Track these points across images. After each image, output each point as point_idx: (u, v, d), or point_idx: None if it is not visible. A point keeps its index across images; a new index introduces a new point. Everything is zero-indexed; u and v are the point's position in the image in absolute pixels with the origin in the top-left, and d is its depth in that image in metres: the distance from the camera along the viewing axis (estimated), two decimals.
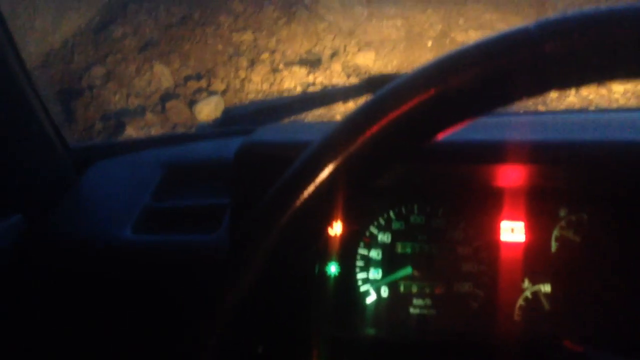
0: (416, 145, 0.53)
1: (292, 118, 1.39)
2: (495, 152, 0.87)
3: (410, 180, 0.96)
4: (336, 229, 0.96)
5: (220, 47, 6.58)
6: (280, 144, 0.94)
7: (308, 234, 0.55)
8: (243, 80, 6.35)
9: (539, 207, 0.93)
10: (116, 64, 6.12)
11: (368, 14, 7.51)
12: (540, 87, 0.51)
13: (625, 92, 5.88)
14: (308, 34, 7.14)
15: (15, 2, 6.81)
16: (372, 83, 1.37)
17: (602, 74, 0.50)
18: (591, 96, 6.00)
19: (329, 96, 1.47)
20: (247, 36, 6.79)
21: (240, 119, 1.46)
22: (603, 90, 5.99)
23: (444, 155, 0.87)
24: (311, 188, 0.52)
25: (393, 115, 0.52)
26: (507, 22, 7.15)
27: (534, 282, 0.92)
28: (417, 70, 0.54)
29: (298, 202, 0.52)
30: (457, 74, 0.51)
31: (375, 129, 0.52)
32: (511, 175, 0.90)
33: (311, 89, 6.38)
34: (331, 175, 0.51)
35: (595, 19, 0.50)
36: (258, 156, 0.92)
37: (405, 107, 0.51)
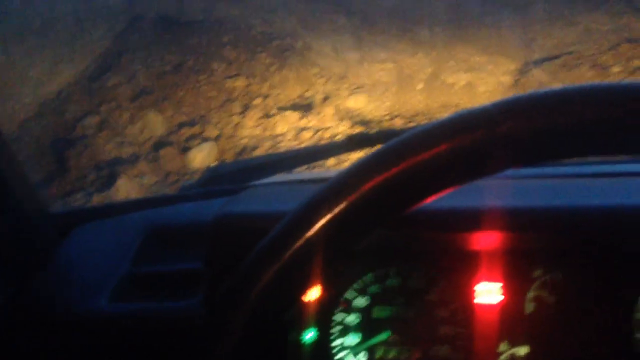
0: (388, 217, 0.54)
1: (277, 176, 1.39)
2: (470, 220, 0.88)
3: (387, 243, 0.96)
4: (312, 294, 0.95)
5: (213, 93, 6.65)
6: (254, 215, 0.94)
7: (284, 302, 0.55)
8: (236, 125, 6.39)
9: (514, 268, 0.93)
10: (110, 112, 6.17)
11: (359, 58, 7.63)
12: (500, 165, 0.52)
13: None
14: (300, 78, 7.23)
15: (11, 52, 6.92)
16: (353, 141, 1.38)
17: (561, 153, 0.51)
18: None
19: (312, 154, 1.48)
20: (240, 82, 6.87)
21: (224, 178, 1.47)
22: None
23: (419, 222, 0.88)
24: (288, 257, 0.52)
25: (358, 193, 0.52)
26: (496, 64, 7.27)
27: (511, 344, 0.91)
28: (383, 148, 0.55)
29: (274, 272, 0.52)
30: (417, 153, 0.52)
31: (348, 201, 0.53)
32: (486, 240, 0.90)
33: (304, 134, 6.42)
34: (307, 244, 0.52)
35: (552, 99, 0.51)
36: (232, 228, 0.93)
37: (367, 187, 0.52)
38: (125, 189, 4.98)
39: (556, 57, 6.91)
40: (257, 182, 1.33)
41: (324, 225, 0.53)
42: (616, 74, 6.42)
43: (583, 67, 6.64)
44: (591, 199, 0.89)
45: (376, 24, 7.63)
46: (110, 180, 5.14)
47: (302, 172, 1.43)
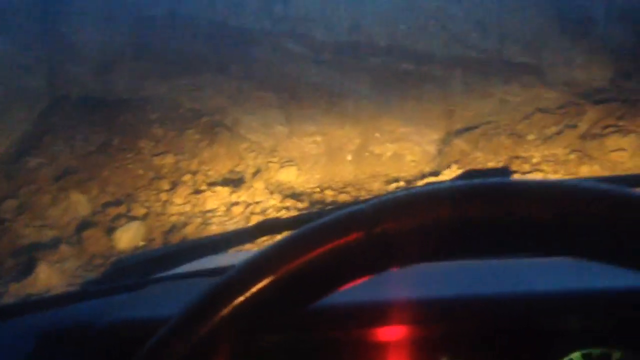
0: (281, 316, 0.52)
1: (183, 267, 1.35)
2: (372, 315, 0.87)
3: (289, 343, 0.93)
4: None
5: (140, 171, 6.56)
6: (146, 321, 0.90)
7: None
8: (165, 203, 6.29)
9: (420, 356, 0.92)
10: (30, 195, 5.95)
11: (288, 132, 7.75)
12: (377, 266, 0.51)
13: None
14: (230, 154, 7.24)
15: None
16: (261, 229, 1.37)
17: (436, 254, 0.51)
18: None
19: (221, 242, 1.45)
20: (169, 159, 6.81)
21: (129, 271, 1.41)
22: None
23: (316, 318, 0.86)
24: None
25: (247, 292, 0.51)
26: (420, 134, 7.53)
27: None
28: (266, 250, 0.54)
29: None
30: (294, 259, 0.51)
31: (238, 301, 0.51)
32: (389, 332, 0.89)
33: (234, 209, 6.38)
34: (195, 345, 0.49)
35: (424, 200, 0.51)
36: (121, 337, 0.89)
37: (255, 288, 0.51)
38: (46, 275, 4.75)
39: (475, 127, 7.24)
40: (162, 275, 1.28)
41: (212, 325, 0.51)
42: (531, 142, 6.77)
43: (501, 136, 6.97)
44: (495, 285, 0.90)
45: (304, 98, 7.80)
46: (29, 267, 4.89)
47: (214, 258, 1.40)
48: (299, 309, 0.53)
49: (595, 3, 7.03)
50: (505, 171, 1.19)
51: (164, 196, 6.33)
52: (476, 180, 0.51)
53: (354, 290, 0.57)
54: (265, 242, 1.39)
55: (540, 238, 0.48)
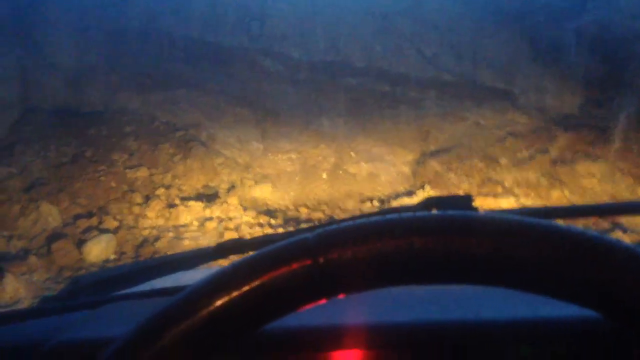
0: (233, 338, 0.53)
1: (142, 285, 1.35)
2: (329, 339, 0.86)
3: None
4: None
5: (113, 184, 6.46)
6: (95, 341, 0.90)
7: None
8: (137, 216, 6.20)
9: None
10: None
11: (264, 148, 7.74)
12: (324, 293, 0.53)
13: None
14: (205, 169, 7.20)
15: None
16: (223, 249, 1.36)
17: (378, 282, 0.53)
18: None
19: (182, 261, 1.44)
20: (142, 172, 6.73)
21: (88, 289, 1.39)
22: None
23: (269, 341, 0.85)
24: None
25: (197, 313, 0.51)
26: (395, 154, 7.60)
27: None
28: (218, 273, 0.55)
29: None
30: (244, 283, 0.53)
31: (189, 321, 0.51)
32: (339, 356, 0.89)
33: (208, 224, 6.32)
34: None
35: (367, 231, 0.53)
36: (68, 356, 0.87)
37: (205, 310, 0.52)
38: (13, 287, 4.62)
39: (449, 149, 7.34)
40: (119, 293, 1.27)
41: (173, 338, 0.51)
42: (504, 165, 6.89)
43: (474, 158, 7.08)
44: (443, 312, 0.90)
45: (279, 116, 7.82)
46: None
47: (174, 277, 1.39)
48: (250, 332, 0.54)
49: (567, 33, 7.23)
50: (466, 198, 1.20)
51: (136, 209, 6.24)
52: (417, 214, 0.54)
53: (307, 314, 0.58)
54: (226, 262, 1.39)
55: (474, 269, 0.50)
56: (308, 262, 0.50)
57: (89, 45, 7.78)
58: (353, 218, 1.31)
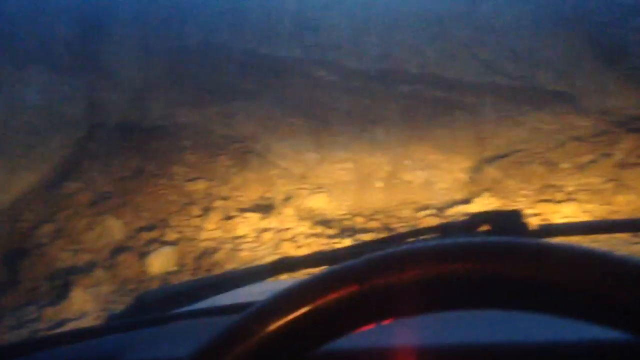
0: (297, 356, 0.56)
1: (204, 302, 1.39)
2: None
3: None
4: None
5: (173, 197, 6.66)
6: None
7: None
8: (196, 228, 6.36)
9: None
10: (67, 219, 6.09)
11: (319, 158, 7.80)
12: (372, 318, 0.55)
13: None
14: (261, 180, 7.31)
15: None
16: (279, 266, 1.39)
17: (423, 308, 0.55)
18: None
19: (240, 278, 1.48)
20: (201, 185, 6.91)
21: (152, 306, 1.45)
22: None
23: None
24: None
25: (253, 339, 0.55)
26: (451, 162, 7.50)
27: None
28: (274, 297, 0.58)
29: None
30: (289, 313, 0.56)
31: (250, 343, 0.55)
32: None
33: (264, 235, 6.41)
34: None
35: (411, 257, 0.55)
36: None
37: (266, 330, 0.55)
38: (80, 300, 4.83)
39: (506, 155, 7.19)
40: (182, 311, 1.31)
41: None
42: (565, 170, 6.68)
43: (533, 164, 6.90)
44: (494, 334, 0.90)
45: (334, 125, 7.85)
46: (64, 291, 4.98)
47: (234, 294, 1.44)
48: (304, 355, 0.57)
49: (629, 32, 6.97)
50: (515, 214, 1.19)
51: (195, 222, 6.40)
52: (460, 240, 0.56)
53: (358, 336, 0.60)
54: (279, 279, 1.43)
55: (521, 296, 0.52)
56: (355, 288, 0.53)
57: (150, 62, 8.05)
58: (401, 236, 1.32)
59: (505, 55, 7.67)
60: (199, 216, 6.50)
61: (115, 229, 6.02)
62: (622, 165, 6.38)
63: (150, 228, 6.16)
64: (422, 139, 7.73)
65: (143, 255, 5.74)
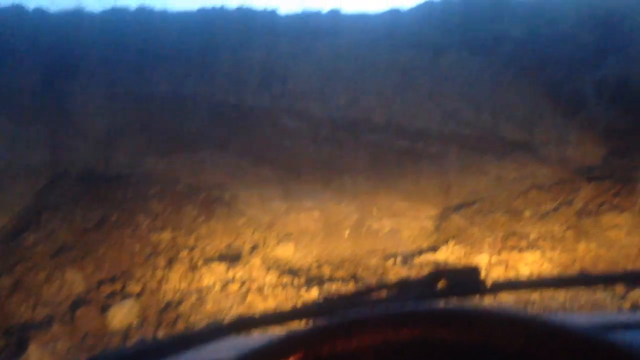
0: None
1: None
2: None
3: None
4: None
5: (137, 247, 6.56)
6: None
7: None
8: (160, 280, 6.26)
9: None
10: (25, 272, 5.92)
11: (287, 207, 7.79)
12: None
13: (531, 273, 6.18)
14: (228, 229, 7.26)
15: None
16: (237, 326, 1.38)
17: None
18: (501, 278, 6.26)
19: (198, 337, 1.46)
20: (166, 235, 6.82)
21: None
22: (510, 272, 6.27)
23: None
24: None
25: None
26: (417, 210, 7.56)
27: None
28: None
29: None
30: None
31: None
32: None
33: (230, 286, 6.33)
34: None
35: (355, 326, 0.57)
36: None
37: None
38: (37, 357, 4.67)
39: (472, 203, 7.28)
40: None
41: None
42: (528, 218, 6.79)
43: (497, 212, 7.00)
44: None
45: (302, 174, 7.88)
46: (20, 348, 4.81)
47: (195, 352, 1.42)
48: None
49: (587, 84, 7.21)
50: (473, 271, 1.21)
51: (159, 273, 6.30)
52: (400, 310, 0.59)
53: None
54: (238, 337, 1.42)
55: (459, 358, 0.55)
56: (301, 355, 0.54)
57: (117, 110, 8.03)
58: (358, 294, 1.31)
59: (468, 105, 7.84)
60: (164, 267, 6.40)
61: (75, 281, 5.87)
62: (583, 213, 6.51)
63: (111, 280, 6.04)
64: (389, 187, 7.79)
65: (104, 308, 5.60)
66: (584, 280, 1.50)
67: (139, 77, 8.09)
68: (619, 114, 6.81)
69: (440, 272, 1.19)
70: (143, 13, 8.83)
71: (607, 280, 1.49)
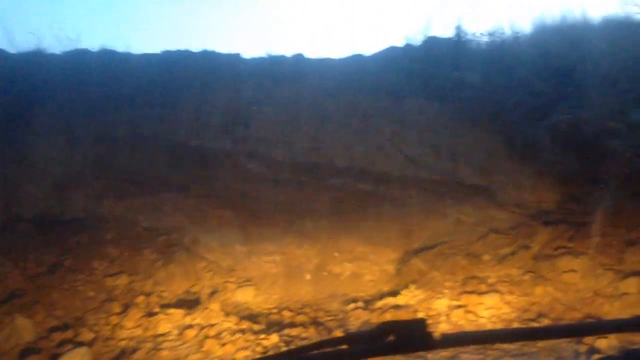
0: None
1: None
2: None
3: None
4: None
5: (91, 293, 6.38)
6: None
7: None
8: (115, 326, 6.08)
9: None
10: None
11: (247, 251, 7.71)
12: None
13: (490, 317, 6.19)
14: (187, 274, 7.13)
15: None
16: None
17: None
18: (461, 321, 6.26)
19: None
20: (122, 280, 6.66)
21: None
22: (470, 316, 6.27)
23: None
24: None
25: None
26: (378, 254, 7.57)
27: None
28: None
29: None
30: None
31: None
32: None
33: (188, 332, 6.18)
34: None
35: None
36: None
37: None
38: None
39: (432, 246, 7.33)
40: None
41: None
42: (487, 262, 6.85)
43: (457, 256, 7.05)
44: None
45: (263, 217, 7.84)
46: None
47: None
48: None
49: (541, 131, 7.41)
50: (420, 322, 1.21)
51: (114, 319, 6.13)
52: None
53: None
54: None
55: None
56: None
57: (76, 152, 7.92)
58: (308, 347, 1.28)
59: (428, 150, 7.98)
60: (119, 313, 6.23)
61: (25, 329, 5.66)
62: (539, 257, 6.61)
63: (63, 327, 5.84)
64: (350, 231, 7.80)
65: (54, 357, 5.40)
66: (525, 334, 1.51)
67: (99, 119, 8.03)
68: (572, 160, 7.00)
69: (387, 324, 1.19)
70: (105, 55, 8.82)
71: (550, 334, 1.50)
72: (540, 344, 5.37)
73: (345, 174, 8.12)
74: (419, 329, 1.16)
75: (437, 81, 8.46)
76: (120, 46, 9.34)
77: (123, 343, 5.86)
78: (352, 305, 7.01)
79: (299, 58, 9.46)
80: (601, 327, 1.64)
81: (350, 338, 1.24)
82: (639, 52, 7.59)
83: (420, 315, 6.48)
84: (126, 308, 6.30)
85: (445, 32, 9.54)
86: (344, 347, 1.18)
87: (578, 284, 6.18)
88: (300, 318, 6.83)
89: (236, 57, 9.33)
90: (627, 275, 6.08)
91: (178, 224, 7.59)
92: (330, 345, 1.22)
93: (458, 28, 9.35)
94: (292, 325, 6.66)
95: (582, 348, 5.23)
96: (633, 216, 6.54)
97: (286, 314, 6.92)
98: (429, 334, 1.14)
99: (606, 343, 5.10)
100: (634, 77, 7.58)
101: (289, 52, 9.53)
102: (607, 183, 6.56)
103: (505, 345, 5.49)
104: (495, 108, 7.87)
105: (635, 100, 7.29)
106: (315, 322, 6.71)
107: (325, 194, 8.05)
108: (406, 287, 7.04)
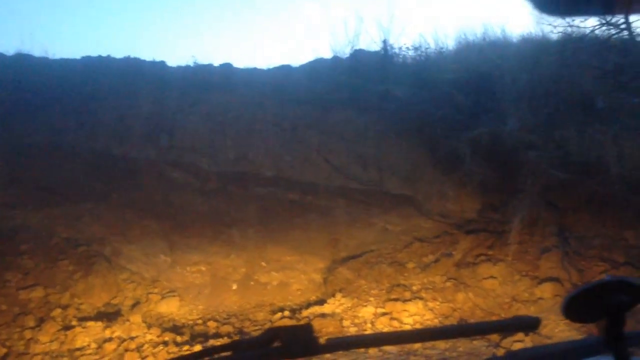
0: None
1: None
2: None
3: None
4: None
5: (4, 307, 6.05)
6: None
7: None
8: (29, 341, 5.78)
9: None
10: None
11: (172, 261, 7.53)
12: None
13: (414, 323, 6.31)
14: (107, 285, 6.88)
15: None
16: None
17: None
18: (386, 329, 6.34)
19: None
20: (37, 293, 6.35)
21: None
22: (395, 323, 6.37)
23: None
24: None
25: None
26: (306, 262, 7.57)
27: None
28: None
29: None
30: None
31: None
32: None
33: (107, 345, 5.95)
34: None
35: None
36: None
37: None
38: None
39: (359, 255, 7.41)
40: None
41: None
42: (411, 270, 6.99)
43: (383, 264, 7.16)
44: None
45: (188, 227, 7.69)
46: None
47: None
48: None
49: (463, 143, 7.65)
50: (307, 328, 1.22)
51: (28, 334, 5.83)
52: None
53: None
54: None
55: None
56: None
57: None
58: (195, 356, 1.24)
59: (354, 161, 8.07)
60: (33, 327, 5.94)
61: None
62: (461, 264, 6.80)
63: None
64: (277, 240, 7.77)
65: None
66: (415, 336, 1.55)
67: (13, 126, 7.65)
68: (492, 170, 7.26)
69: (273, 330, 1.19)
70: (21, 59, 8.44)
71: (435, 335, 1.54)
72: (461, 348, 5.52)
73: (272, 183, 8.09)
74: (304, 335, 1.17)
75: (364, 93, 8.58)
76: (37, 51, 8.92)
77: (38, 358, 5.59)
78: (278, 315, 6.97)
79: (227, 67, 9.38)
80: (487, 329, 1.78)
81: (235, 345, 1.24)
82: (554, 69, 7.98)
83: (346, 323, 6.53)
84: (41, 322, 6.02)
85: (372, 45, 9.70)
86: (229, 353, 1.17)
87: (497, 289, 6.40)
88: (226, 328, 6.72)
89: (161, 64, 9.15)
90: (542, 281, 6.35)
91: (99, 234, 7.32)
92: (215, 353, 1.21)
93: (384, 42, 9.55)
94: (218, 335, 6.54)
95: (500, 352, 5.40)
96: (548, 225, 6.86)
97: (211, 324, 6.80)
98: (314, 339, 1.15)
99: (522, 346, 5.30)
100: (549, 93, 7.95)
101: (217, 61, 9.44)
102: (524, 193, 6.84)
103: (428, 351, 5.61)
104: (420, 120, 8.06)
105: (549, 115, 7.65)
106: (241, 332, 6.63)
107: (253, 203, 7.98)
108: (333, 295, 7.07)
